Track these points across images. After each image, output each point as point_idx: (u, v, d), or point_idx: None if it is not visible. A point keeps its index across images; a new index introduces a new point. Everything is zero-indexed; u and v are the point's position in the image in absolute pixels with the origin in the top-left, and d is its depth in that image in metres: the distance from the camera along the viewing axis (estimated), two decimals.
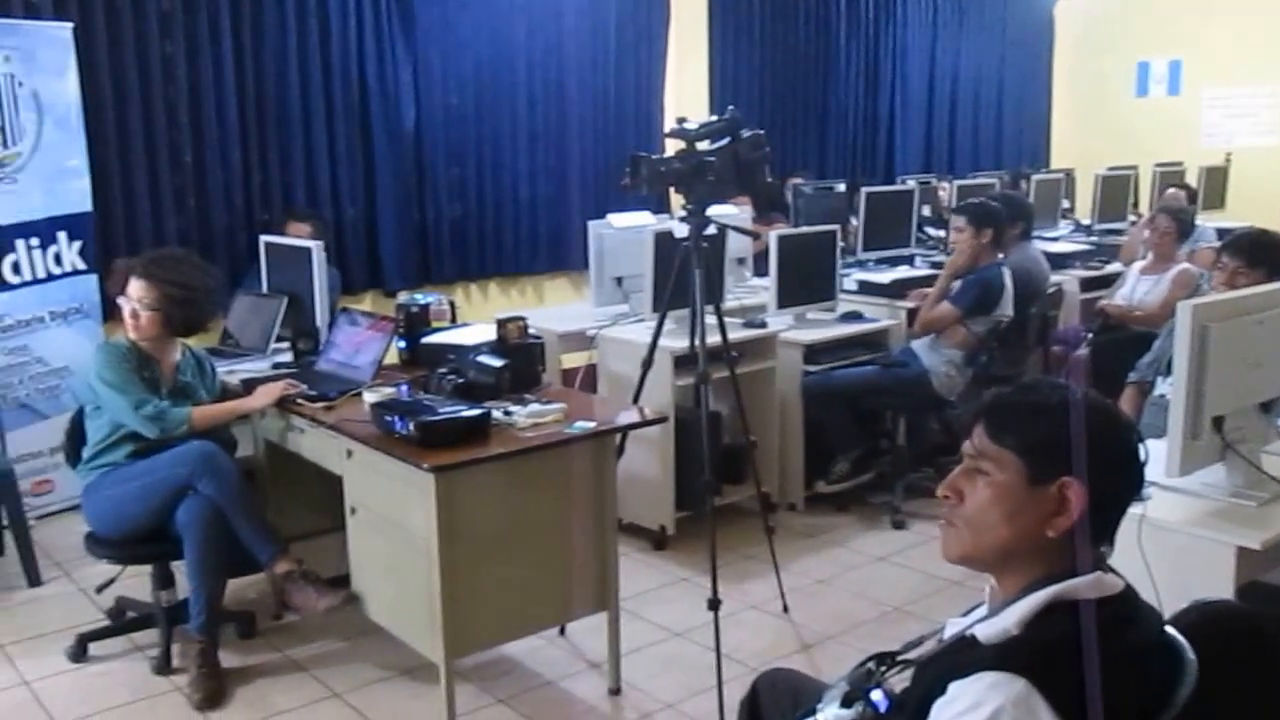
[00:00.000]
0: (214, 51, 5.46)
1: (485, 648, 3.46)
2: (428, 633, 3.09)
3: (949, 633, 1.66)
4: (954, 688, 1.46)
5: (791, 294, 4.98)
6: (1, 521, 4.49)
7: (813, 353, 4.88)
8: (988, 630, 1.53)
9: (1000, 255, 4.85)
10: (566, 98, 6.77)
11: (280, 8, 5.63)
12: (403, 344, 3.98)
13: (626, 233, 4.96)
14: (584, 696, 3.48)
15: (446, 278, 6.36)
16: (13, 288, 4.81)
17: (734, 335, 4.13)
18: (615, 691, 3.46)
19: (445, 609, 3.00)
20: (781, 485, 4.92)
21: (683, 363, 4.29)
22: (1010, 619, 1.51)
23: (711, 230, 3.73)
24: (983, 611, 1.64)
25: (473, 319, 4.55)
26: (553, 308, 6.16)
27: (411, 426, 2.99)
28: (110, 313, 5.03)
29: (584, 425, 3.23)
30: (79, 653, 3.68)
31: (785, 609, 3.99)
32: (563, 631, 3.77)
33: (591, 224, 5.02)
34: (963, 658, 1.52)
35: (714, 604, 3.41)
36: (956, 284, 4.75)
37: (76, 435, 3.71)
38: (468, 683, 3.42)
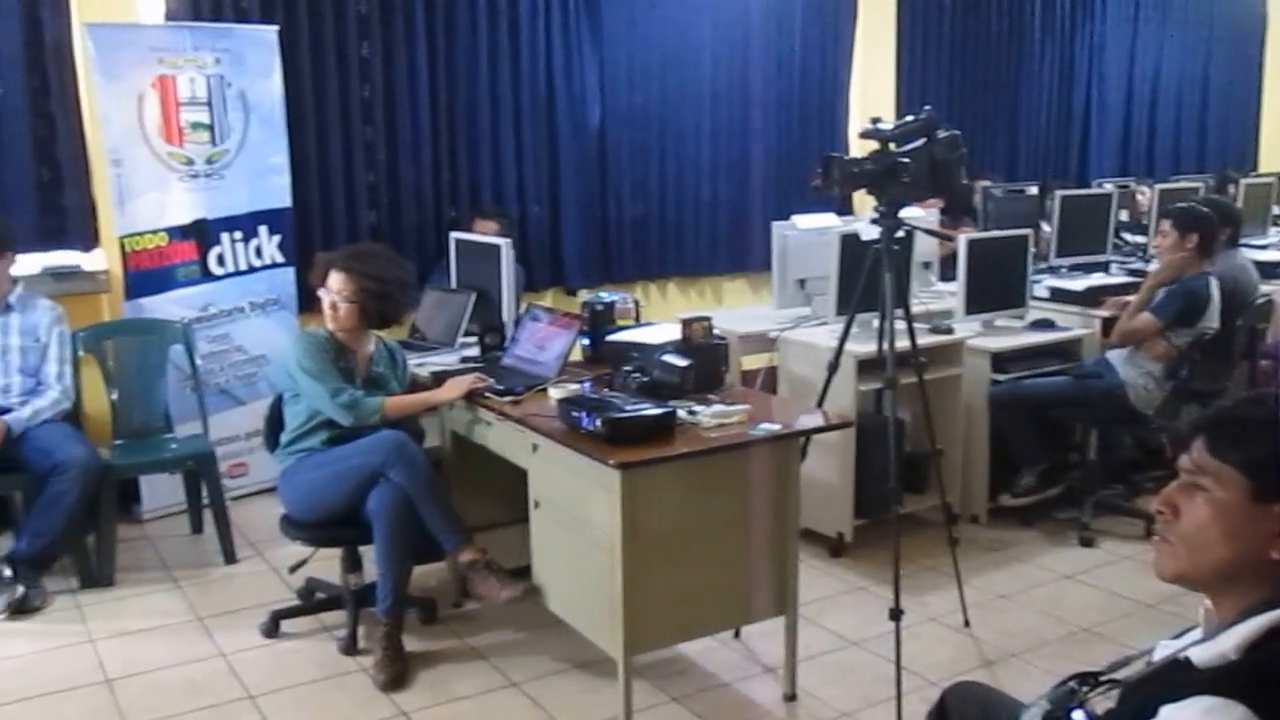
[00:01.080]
0: (409, 53, 5.61)
1: (662, 646, 3.45)
2: (607, 628, 3.10)
3: (1159, 655, 1.59)
4: (1166, 711, 1.39)
5: (980, 300, 4.83)
6: (202, 501, 4.72)
7: (1001, 361, 4.71)
8: (1204, 654, 1.46)
9: (1208, 264, 4.59)
10: (750, 96, 6.71)
11: (472, 10, 5.74)
12: (587, 341, 4.01)
13: (811, 234, 4.88)
14: (759, 700, 3.43)
15: (627, 277, 6.38)
16: (217, 279, 5.05)
17: (920, 341, 4.02)
18: (790, 698, 3.40)
19: (626, 605, 3.00)
20: (964, 496, 4.76)
21: (866, 367, 4.20)
22: (1228, 643, 1.43)
23: (902, 233, 3.65)
24: (1197, 634, 1.55)
25: (652, 319, 4.56)
26: (731, 309, 6.12)
27: (598, 423, 3.00)
28: (305, 304, 5.25)
29: (768, 427, 3.19)
30: (272, 629, 3.83)
31: (966, 623, 3.86)
32: (738, 634, 3.73)
33: (775, 225, 4.96)
34: (1176, 681, 1.44)
35: (896, 614, 3.33)
36: (1160, 293, 4.53)
37: (275, 421, 3.86)
38: (642, 679, 3.41)
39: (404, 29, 5.59)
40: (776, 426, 3.21)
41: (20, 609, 4.02)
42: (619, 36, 6.25)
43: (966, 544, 4.44)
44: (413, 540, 3.52)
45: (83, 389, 4.53)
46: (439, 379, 3.83)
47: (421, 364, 4.12)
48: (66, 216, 4.91)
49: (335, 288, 3.63)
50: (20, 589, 4.04)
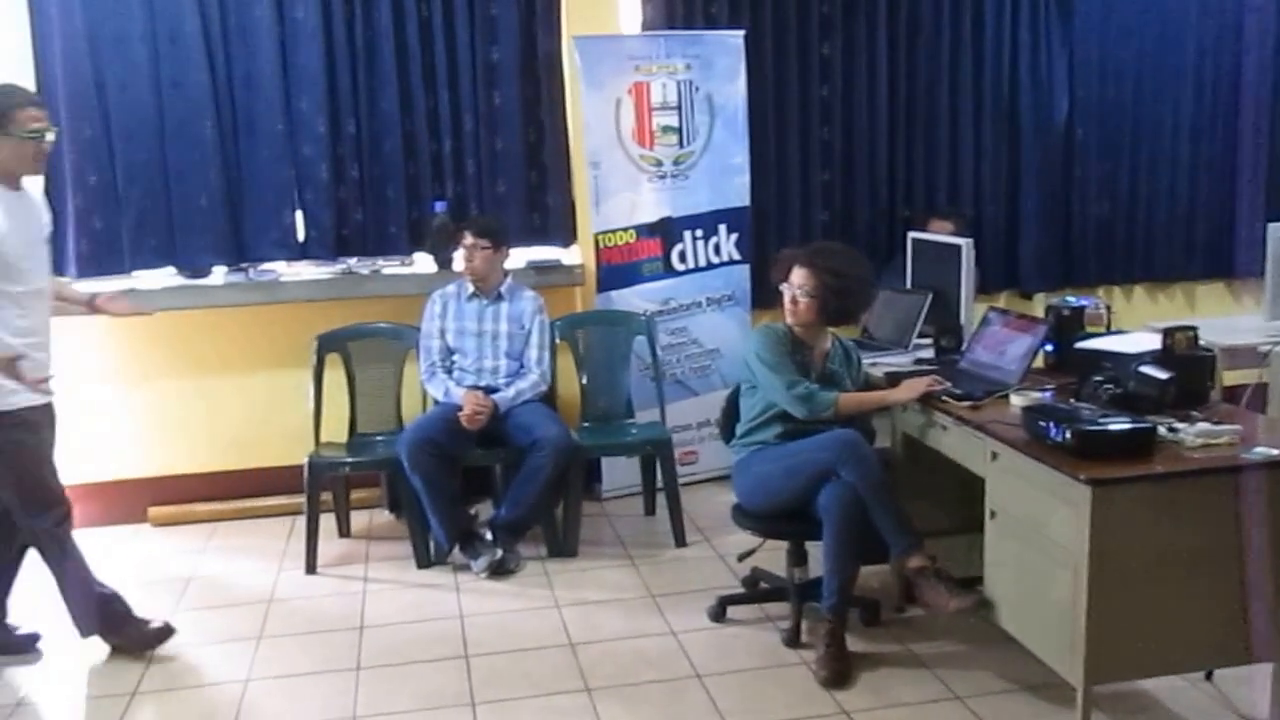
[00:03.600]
0: (869, 51, 5.60)
1: (1125, 678, 3.21)
2: (1065, 651, 2.94)
3: None
4: None
5: None
6: (656, 484, 4.96)
7: None
8: None
9: None
10: (1242, 84, 6.07)
11: (936, 6, 5.64)
12: (1050, 347, 3.83)
13: None
14: None
15: (1088, 280, 6.01)
16: (678, 274, 5.29)
17: None
18: None
19: (1089, 630, 2.83)
20: None
21: None
22: None
23: None
24: None
25: (1119, 325, 4.28)
26: (1209, 318, 5.61)
27: (1068, 434, 2.85)
28: (758, 300, 5.39)
29: (1265, 451, 2.88)
30: (718, 613, 3.96)
31: None
32: (1209, 676, 3.41)
33: (1272, 227, 4.49)
34: None
35: None
36: None
37: (731, 413, 3.98)
38: (1100, 711, 3.20)
39: (865, 27, 5.58)
40: (1275, 452, 2.91)
41: (498, 570, 4.42)
42: (1091, 25, 5.87)
43: None
44: (861, 540, 3.51)
45: (557, 373, 4.89)
46: (893, 379, 3.79)
47: (874, 364, 4.10)
48: (549, 215, 5.34)
49: (797, 282, 3.68)
50: (499, 552, 4.44)
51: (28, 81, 4.81)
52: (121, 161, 4.92)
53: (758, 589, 4.12)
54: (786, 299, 3.73)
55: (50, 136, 3.51)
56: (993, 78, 5.76)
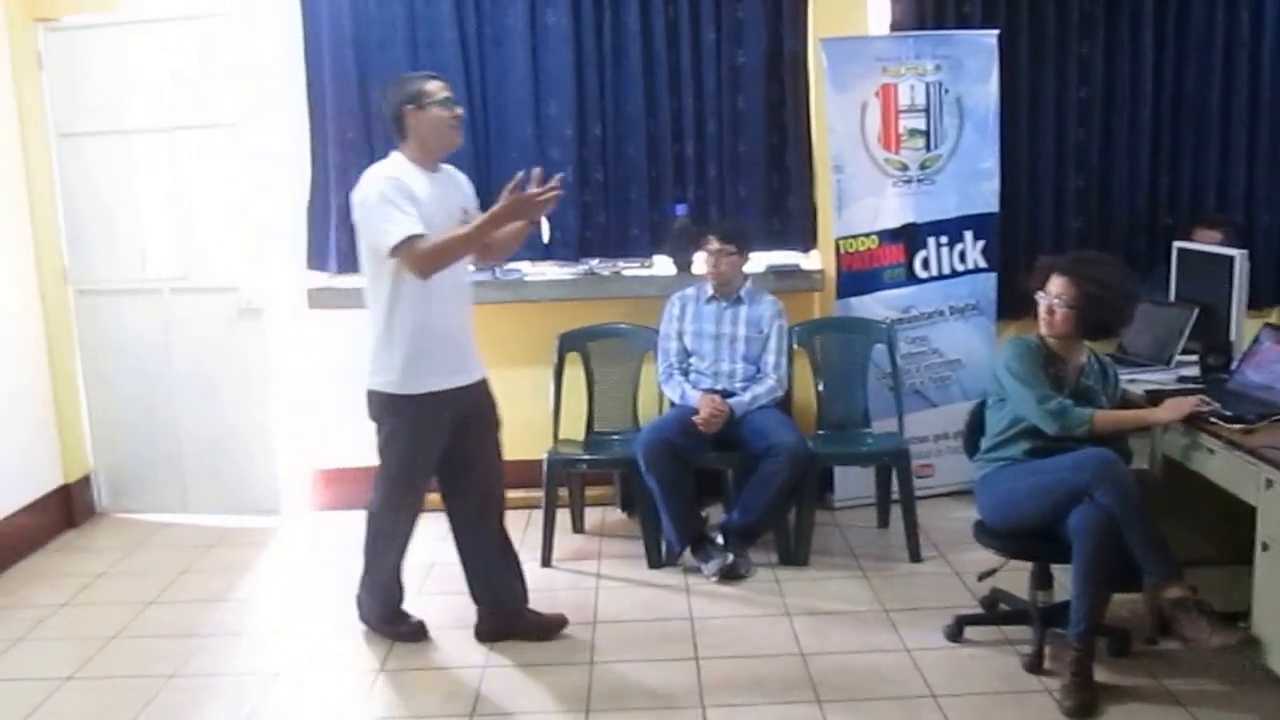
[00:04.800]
0: (1132, 51, 5.30)
1: None
2: None
3: None
4: None
5: None
6: (890, 496, 4.85)
7: None
8: None
9: None
10: None
11: (1209, 2, 5.29)
12: None
13: None
14: None
15: None
16: (920, 282, 5.15)
17: None
18: None
19: None
20: None
21: None
22: None
23: None
24: None
25: None
26: None
27: None
28: (1004, 311, 5.19)
29: None
30: (955, 633, 3.83)
31: None
32: None
33: None
34: None
35: None
36: None
37: (976, 426, 3.84)
38: None
39: (1129, 25, 5.27)
40: None
41: (729, 575, 4.41)
42: None
43: None
44: (1114, 566, 3.32)
45: (794, 379, 4.84)
46: (1154, 398, 3.58)
47: (1131, 380, 3.88)
48: (790, 219, 5.29)
49: (1055, 291, 3.52)
50: (730, 556, 4.43)
51: (298, 82, 5.14)
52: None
53: (997, 610, 3.96)
54: (1042, 308, 3.57)
55: (459, 109, 3.65)
56: (1272, 78, 5.35)
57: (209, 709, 3.56)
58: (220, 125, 5.16)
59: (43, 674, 3.82)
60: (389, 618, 3.99)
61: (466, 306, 3.80)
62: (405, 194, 3.48)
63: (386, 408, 3.67)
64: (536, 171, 3.52)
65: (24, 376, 5.15)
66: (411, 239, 3.42)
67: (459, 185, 3.80)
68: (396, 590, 4.01)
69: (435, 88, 3.60)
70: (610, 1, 5.11)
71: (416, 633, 3.97)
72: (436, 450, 3.74)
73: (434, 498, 5.28)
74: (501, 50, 5.12)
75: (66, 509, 5.37)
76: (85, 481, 5.52)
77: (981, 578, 4.00)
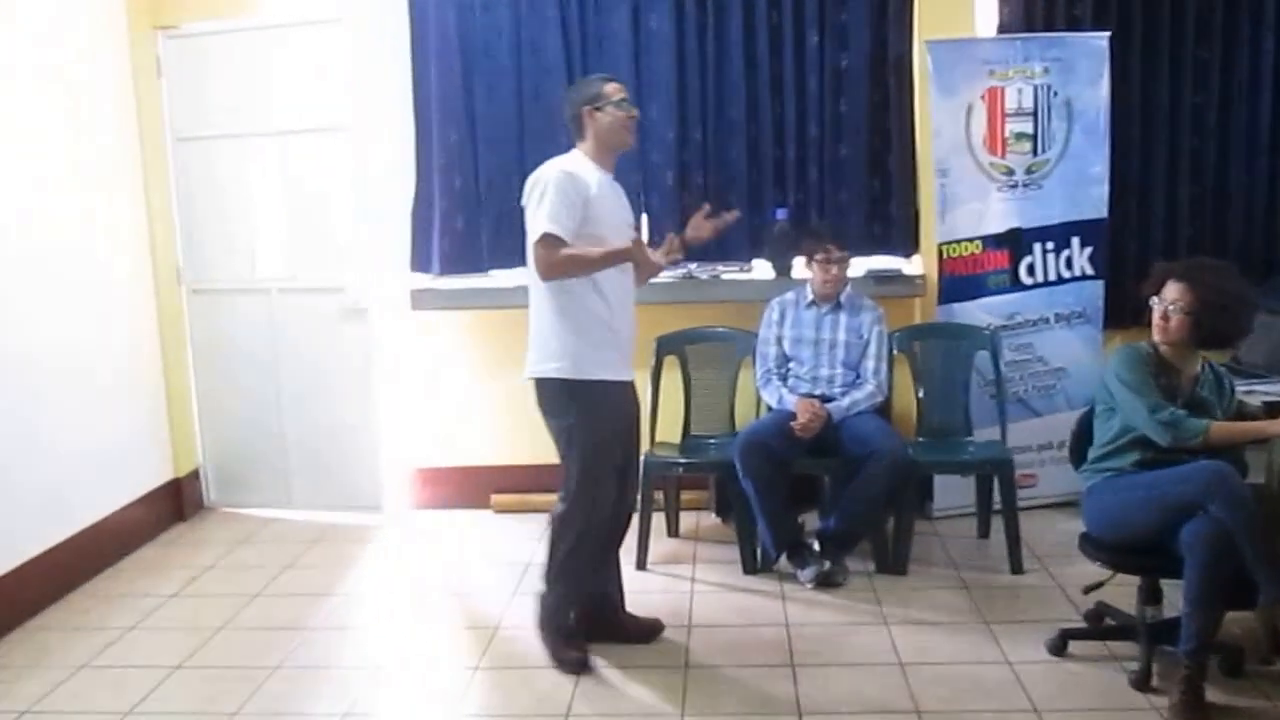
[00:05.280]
0: (1252, 53, 5.13)
1: None
2: None
3: None
4: None
5: None
6: (991, 506, 4.77)
7: None
8: None
9: None
10: None
11: None
12: None
13: None
14: None
15: None
16: (1025, 288, 5.06)
17: None
18: None
19: None
20: None
21: None
22: None
23: None
24: None
25: None
26: None
27: None
28: (1111, 319, 5.07)
29: None
30: (1059, 647, 3.74)
31: None
32: None
33: None
34: None
35: None
36: None
37: (1083, 436, 3.76)
38: None
39: (1249, 27, 5.11)
40: None
41: (825, 582, 4.37)
42: None
43: None
44: (1228, 582, 3.22)
45: (893, 385, 4.78)
46: (1272, 410, 3.47)
47: (1248, 391, 3.77)
48: (891, 224, 5.22)
49: (1171, 298, 3.42)
50: (826, 563, 4.40)
51: (404, 86, 5.22)
52: (484, 166, 5.25)
53: (1103, 625, 3.87)
54: (1156, 315, 3.47)
55: (634, 111, 3.76)
56: None
57: (313, 700, 3.63)
58: (330, 130, 5.28)
59: (155, 662, 3.93)
60: (561, 632, 3.84)
61: (631, 305, 3.84)
62: (578, 191, 3.56)
63: (562, 394, 3.67)
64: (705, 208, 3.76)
65: (140, 373, 5.32)
66: (555, 237, 3.51)
67: (622, 193, 3.88)
68: (582, 603, 3.89)
69: (612, 90, 3.70)
70: (713, 6, 5.11)
71: (577, 665, 3.76)
72: (618, 439, 3.78)
73: (538, 499, 5.39)
74: (604, 54, 5.15)
75: (176, 502, 5.54)
76: (194, 476, 5.68)
77: (1087, 591, 3.90)
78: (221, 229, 5.52)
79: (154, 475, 5.38)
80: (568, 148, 5.18)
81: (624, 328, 3.76)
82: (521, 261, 5.24)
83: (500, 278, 5.33)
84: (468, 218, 5.27)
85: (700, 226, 3.89)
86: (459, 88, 5.20)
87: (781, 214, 5.11)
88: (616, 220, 3.70)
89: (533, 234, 3.57)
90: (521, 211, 5.24)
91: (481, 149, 5.23)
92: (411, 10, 5.18)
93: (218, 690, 3.69)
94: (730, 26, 5.11)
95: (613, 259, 3.58)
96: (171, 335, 5.53)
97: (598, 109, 3.67)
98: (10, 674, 3.89)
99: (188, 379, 5.64)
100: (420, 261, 5.32)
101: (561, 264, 3.54)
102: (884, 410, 4.75)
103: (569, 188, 3.55)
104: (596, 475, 3.72)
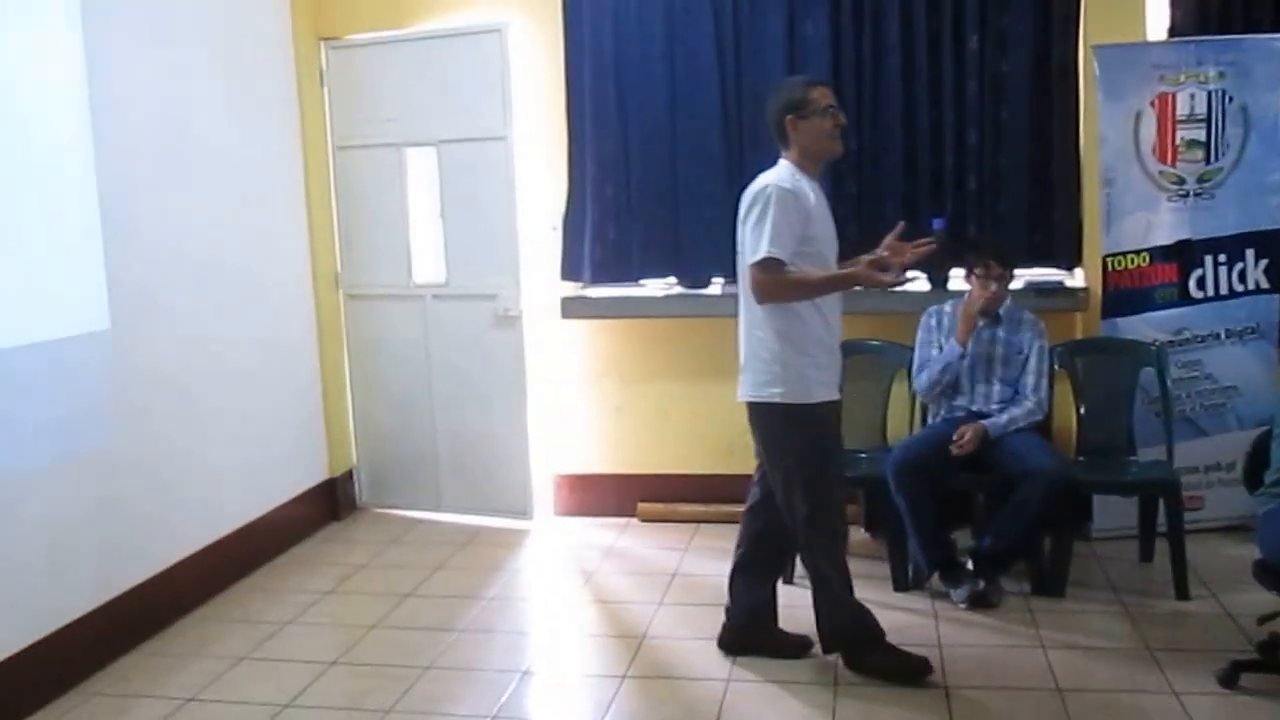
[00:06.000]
0: None
1: None
2: None
3: None
4: None
5: None
6: (1155, 528, 4.57)
7: None
8: None
9: None
10: None
11: None
12: None
13: None
14: None
15: None
16: (1195, 302, 4.85)
17: None
18: None
19: None
20: None
21: None
22: None
23: None
24: None
25: None
26: None
27: None
28: None
29: None
30: (1229, 678, 3.56)
31: None
32: None
33: None
34: None
35: None
36: None
37: (1259, 458, 3.57)
38: None
39: None
40: None
41: (979, 602, 4.25)
42: None
43: None
44: None
45: (1053, 402, 4.63)
46: None
47: None
48: (1053, 235, 5.04)
49: None
50: (980, 583, 4.27)
51: (559, 96, 5.28)
52: (636, 175, 5.26)
53: (1278, 656, 3.68)
54: None
55: (841, 117, 3.59)
56: None
57: (463, 700, 3.68)
58: (486, 139, 5.36)
59: (310, 657, 4.04)
60: (882, 645, 3.71)
61: (839, 319, 3.73)
62: (798, 209, 3.43)
63: (785, 419, 3.55)
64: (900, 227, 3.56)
65: (299, 376, 5.49)
66: (776, 261, 3.39)
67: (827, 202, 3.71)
68: (864, 612, 3.74)
69: (818, 95, 3.53)
70: (871, 11, 5.02)
71: (922, 665, 3.67)
72: (839, 457, 3.71)
73: (684, 509, 5.40)
74: (759, 60, 5.10)
75: (331, 502, 5.69)
76: (348, 476, 5.84)
77: (1262, 621, 3.71)
78: (378, 235, 5.66)
79: (311, 475, 5.55)
80: (723, 155, 5.21)
81: (838, 345, 3.67)
82: (672, 271, 5.31)
83: (650, 287, 5.34)
84: (619, 227, 5.29)
85: (898, 250, 3.61)
86: (612, 97, 5.23)
87: (938, 224, 4.98)
88: (830, 233, 3.60)
89: (752, 255, 3.43)
90: (674, 220, 5.29)
91: (634, 158, 5.24)
92: (567, 20, 5.24)
93: (370, 687, 3.77)
94: (887, 31, 5.02)
95: (835, 285, 3.48)
96: (329, 339, 5.69)
97: (801, 117, 3.51)
98: (176, 661, 4.05)
99: (344, 382, 5.80)
100: (571, 270, 5.37)
101: (782, 288, 3.43)
102: (1043, 427, 4.60)
103: (790, 205, 3.40)
104: (825, 495, 3.60)
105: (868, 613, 3.73)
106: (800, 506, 3.59)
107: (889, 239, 3.65)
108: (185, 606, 4.48)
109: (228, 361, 4.85)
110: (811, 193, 3.51)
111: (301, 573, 4.96)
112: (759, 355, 3.55)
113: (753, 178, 5.09)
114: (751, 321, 3.58)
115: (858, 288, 3.60)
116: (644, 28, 5.18)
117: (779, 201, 3.39)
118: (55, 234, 3.88)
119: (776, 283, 3.41)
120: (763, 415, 3.60)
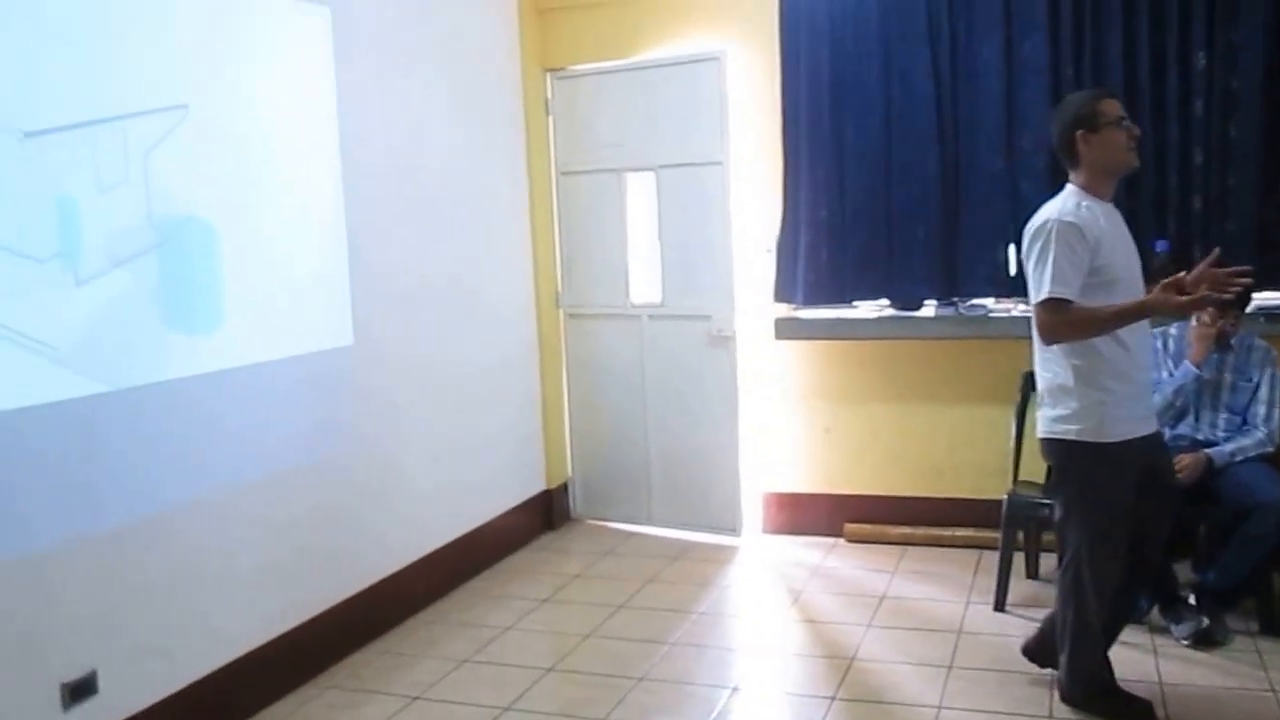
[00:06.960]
0: None
1: None
2: None
3: None
4: None
5: None
6: None
7: None
8: None
9: None
10: None
11: None
12: None
13: None
14: None
15: None
16: None
17: None
18: None
19: None
20: None
21: None
22: None
23: None
24: None
25: None
26: None
27: None
28: None
29: None
30: None
31: None
32: None
33: None
34: None
35: None
36: None
37: None
38: None
39: None
40: None
41: (1203, 640, 4.10)
42: None
43: None
44: None
45: None
46: None
47: None
48: None
49: None
50: (1204, 620, 4.12)
51: (775, 120, 5.37)
52: (849, 198, 5.29)
53: None
54: None
55: (1135, 129, 3.41)
56: None
57: (675, 713, 3.79)
58: (703, 164, 5.52)
59: (528, 663, 4.24)
60: (1104, 690, 3.61)
61: (1148, 346, 3.60)
62: (1084, 242, 3.26)
63: (1084, 458, 3.39)
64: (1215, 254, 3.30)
65: (521, 392, 5.77)
66: (1060, 301, 3.26)
67: (1123, 222, 3.53)
68: (1105, 661, 3.64)
69: (1108, 107, 3.36)
70: (1091, 30, 4.90)
71: (1145, 712, 3.56)
72: (1130, 499, 3.43)
73: (892, 530, 5.39)
74: (975, 83, 5.07)
75: (547, 512, 5.94)
76: (564, 488, 6.07)
77: None
78: (598, 257, 5.89)
79: (530, 486, 5.80)
80: (937, 178, 5.18)
81: (1143, 375, 3.49)
82: (884, 293, 5.32)
83: (862, 309, 5.37)
84: (832, 249, 5.33)
85: (1215, 281, 3.23)
86: (828, 120, 5.28)
87: (1162, 246, 4.83)
88: (1126, 258, 3.41)
89: (1035, 295, 3.31)
90: (888, 242, 5.29)
91: (848, 180, 5.28)
92: (784, 45, 5.33)
93: (586, 695, 3.93)
94: (1109, 50, 4.89)
95: (1124, 319, 3.28)
96: (550, 356, 5.94)
97: (1093, 130, 3.34)
98: (405, 660, 4.31)
99: (562, 398, 6.04)
100: (784, 292, 5.44)
101: (1067, 328, 3.29)
102: (1274, 459, 4.39)
103: (1072, 239, 3.25)
104: (1106, 538, 3.43)
105: (1108, 663, 3.62)
106: (1072, 540, 3.48)
107: (1201, 267, 3.29)
108: (414, 607, 4.77)
109: (455, 377, 5.14)
110: (1102, 217, 3.34)
111: (519, 580, 5.20)
112: (1056, 390, 3.43)
113: (967, 199, 5.12)
114: (1045, 355, 3.46)
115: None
116: (860, 49, 5.21)
117: (1060, 237, 3.26)
118: (312, 254, 4.21)
119: (1062, 323, 3.28)
120: (1051, 451, 3.51)
